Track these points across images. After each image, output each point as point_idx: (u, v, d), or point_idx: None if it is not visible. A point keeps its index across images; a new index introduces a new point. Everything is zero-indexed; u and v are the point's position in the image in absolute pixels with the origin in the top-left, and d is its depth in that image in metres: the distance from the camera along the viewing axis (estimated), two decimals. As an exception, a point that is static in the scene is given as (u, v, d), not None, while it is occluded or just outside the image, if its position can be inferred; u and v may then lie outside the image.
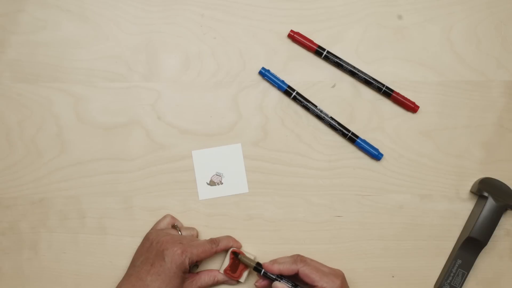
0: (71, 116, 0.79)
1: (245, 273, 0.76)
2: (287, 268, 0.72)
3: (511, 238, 0.79)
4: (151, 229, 0.77)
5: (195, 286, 0.74)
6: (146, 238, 0.75)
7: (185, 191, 0.79)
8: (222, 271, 0.75)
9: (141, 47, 0.80)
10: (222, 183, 0.79)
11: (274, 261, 0.73)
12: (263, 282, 0.74)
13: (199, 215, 0.79)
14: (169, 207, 0.79)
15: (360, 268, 0.78)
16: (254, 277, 0.77)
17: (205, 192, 0.79)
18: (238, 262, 0.76)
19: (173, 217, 0.78)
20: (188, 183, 0.79)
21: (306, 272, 0.71)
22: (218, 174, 0.79)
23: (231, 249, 0.76)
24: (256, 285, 0.75)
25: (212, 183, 0.79)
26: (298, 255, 0.74)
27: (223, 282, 0.76)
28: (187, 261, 0.71)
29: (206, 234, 0.79)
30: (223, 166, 0.79)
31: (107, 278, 0.78)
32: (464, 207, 0.79)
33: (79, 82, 0.79)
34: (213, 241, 0.75)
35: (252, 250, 0.78)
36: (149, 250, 0.72)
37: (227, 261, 0.76)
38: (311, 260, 0.74)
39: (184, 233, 0.76)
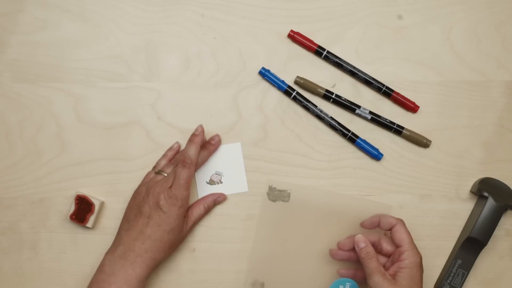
0: (71, 116, 0.79)
1: (92, 218, 0.77)
2: (391, 218, 0.72)
3: (511, 238, 0.79)
4: (138, 185, 0.77)
5: (191, 224, 0.75)
6: (136, 193, 0.75)
7: (185, 191, 0.79)
8: (68, 217, 0.77)
9: (141, 47, 0.80)
10: (221, 182, 0.79)
11: (382, 215, 0.74)
12: (340, 253, 0.74)
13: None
14: (169, 207, 0.79)
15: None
16: (102, 222, 0.77)
17: (205, 192, 0.79)
18: (84, 207, 0.76)
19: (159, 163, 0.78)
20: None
21: (403, 230, 0.71)
22: (217, 173, 0.79)
23: (76, 194, 0.76)
24: (331, 253, 0.75)
25: (212, 182, 0.79)
26: (403, 220, 0.73)
27: (213, 206, 0.78)
28: (185, 205, 0.73)
29: (206, 234, 0.79)
30: (223, 165, 0.79)
31: (107, 278, 0.78)
32: (464, 207, 0.79)
33: (79, 82, 0.79)
34: (183, 162, 0.74)
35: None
36: (142, 204, 0.73)
37: (73, 207, 0.76)
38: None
39: (168, 171, 0.75)
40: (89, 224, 0.77)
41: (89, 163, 0.79)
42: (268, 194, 0.78)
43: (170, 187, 0.73)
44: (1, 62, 0.80)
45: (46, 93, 0.79)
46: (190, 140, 0.76)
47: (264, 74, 0.79)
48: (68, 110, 0.79)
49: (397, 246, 0.71)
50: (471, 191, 0.79)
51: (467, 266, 0.77)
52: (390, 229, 0.72)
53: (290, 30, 0.79)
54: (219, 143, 0.78)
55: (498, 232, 0.78)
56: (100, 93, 0.79)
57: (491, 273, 0.78)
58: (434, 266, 0.78)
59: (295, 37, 0.79)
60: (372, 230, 0.75)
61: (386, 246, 0.72)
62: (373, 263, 0.69)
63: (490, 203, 0.75)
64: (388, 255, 0.73)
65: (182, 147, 0.79)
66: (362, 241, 0.71)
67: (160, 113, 0.79)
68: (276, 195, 0.77)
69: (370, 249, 0.71)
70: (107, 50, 0.80)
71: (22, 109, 0.80)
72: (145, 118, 0.79)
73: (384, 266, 0.72)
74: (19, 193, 0.79)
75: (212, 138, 0.78)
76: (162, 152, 0.79)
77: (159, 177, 0.75)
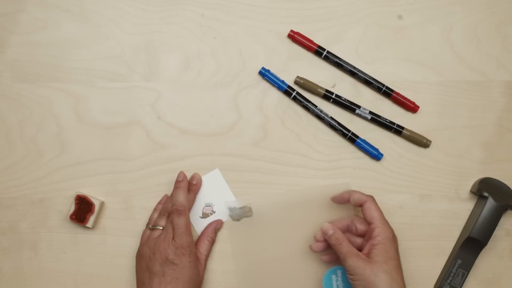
0: (71, 116, 0.79)
1: (92, 218, 0.76)
2: (361, 195, 0.73)
3: (511, 238, 0.79)
4: (139, 247, 0.76)
5: (203, 263, 0.75)
6: (140, 256, 0.74)
7: (185, 191, 0.79)
8: (68, 217, 0.77)
9: (141, 47, 0.80)
10: (214, 212, 0.79)
11: (352, 191, 0.74)
12: (319, 244, 0.75)
13: (199, 215, 0.79)
14: (169, 207, 0.79)
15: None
16: (102, 222, 0.77)
17: (202, 226, 0.78)
18: (84, 207, 0.76)
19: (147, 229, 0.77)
20: (188, 183, 0.79)
21: (372, 206, 0.71)
22: (207, 205, 0.79)
23: (76, 194, 0.76)
24: (311, 248, 0.75)
25: (205, 215, 0.79)
26: (373, 196, 0.74)
27: (216, 235, 0.77)
28: (194, 251, 0.72)
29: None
30: (210, 196, 0.79)
31: (107, 278, 0.78)
32: (464, 207, 0.79)
33: (79, 82, 0.80)
34: (177, 211, 0.74)
35: (253, 250, 0.78)
36: (151, 264, 0.72)
37: (73, 207, 0.76)
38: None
39: (162, 223, 0.75)
40: (89, 224, 0.77)
41: (89, 163, 0.79)
42: (230, 216, 0.77)
43: (173, 238, 0.72)
44: (1, 62, 0.80)
45: (46, 93, 0.79)
46: (176, 187, 0.76)
47: (264, 74, 0.79)
48: (68, 110, 0.79)
49: (368, 223, 0.72)
50: (471, 191, 0.79)
51: (467, 266, 0.77)
52: (361, 206, 0.73)
53: (290, 30, 0.79)
54: (200, 180, 0.78)
55: (498, 232, 0.78)
56: (100, 93, 0.79)
57: (491, 273, 0.78)
58: (434, 266, 0.78)
59: (295, 37, 0.79)
60: (345, 213, 0.75)
61: (360, 226, 0.73)
62: (343, 247, 0.70)
63: (490, 203, 0.75)
64: (363, 235, 0.73)
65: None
66: (329, 229, 0.72)
67: (160, 113, 0.79)
68: (238, 214, 0.77)
69: (339, 234, 0.72)
70: (107, 50, 0.80)
71: (22, 109, 0.80)
72: (145, 118, 0.79)
73: (361, 246, 0.72)
74: (19, 193, 0.79)
75: (192, 178, 0.78)
76: (162, 152, 0.79)
77: (156, 233, 0.75)
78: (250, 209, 0.77)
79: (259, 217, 0.78)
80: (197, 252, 0.75)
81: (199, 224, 0.79)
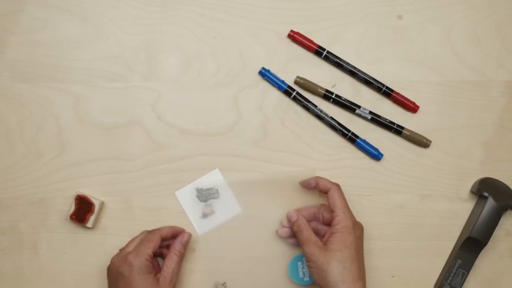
0: (71, 116, 0.79)
1: (92, 218, 0.76)
2: (326, 182, 0.73)
3: (511, 238, 0.79)
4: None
5: (169, 278, 0.72)
6: (112, 279, 0.73)
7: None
8: (68, 217, 0.77)
9: (141, 47, 0.80)
10: (214, 212, 0.78)
11: (319, 177, 0.75)
12: (285, 230, 0.76)
13: (199, 215, 0.79)
14: (169, 207, 0.79)
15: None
16: (102, 222, 0.77)
17: (202, 226, 0.78)
18: (84, 207, 0.76)
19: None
20: (188, 183, 0.79)
21: (335, 195, 0.72)
22: (207, 205, 0.79)
23: (76, 194, 0.76)
24: (277, 233, 0.76)
25: (204, 215, 0.79)
26: (339, 185, 0.74)
27: (186, 248, 0.75)
28: (142, 260, 0.71)
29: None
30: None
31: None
32: (464, 207, 0.79)
33: (79, 82, 0.79)
34: (152, 230, 0.75)
35: (253, 250, 0.78)
36: (114, 283, 0.72)
37: (73, 207, 0.76)
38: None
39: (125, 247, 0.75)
40: (89, 224, 0.77)
41: (89, 163, 0.79)
42: (197, 197, 0.78)
43: (126, 252, 0.72)
44: (1, 62, 0.80)
45: (46, 93, 0.79)
46: (169, 226, 0.76)
47: (264, 74, 0.79)
48: (68, 110, 0.79)
49: (331, 212, 0.72)
50: (471, 191, 0.79)
51: (467, 266, 0.77)
52: (326, 193, 0.73)
53: (290, 30, 0.79)
54: (187, 242, 0.76)
55: (498, 232, 0.78)
56: (100, 93, 0.79)
57: (491, 273, 0.78)
58: (434, 266, 0.78)
59: (295, 37, 0.79)
60: (313, 199, 0.75)
61: (326, 214, 0.74)
62: (303, 234, 0.71)
63: (490, 203, 0.75)
64: (329, 223, 0.73)
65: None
66: (293, 216, 0.74)
67: (160, 113, 0.79)
68: (205, 195, 0.77)
69: (301, 221, 0.73)
70: (107, 50, 0.80)
71: (22, 109, 0.80)
72: (145, 118, 0.79)
73: (325, 234, 0.73)
74: (19, 193, 0.79)
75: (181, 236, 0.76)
76: (162, 152, 0.79)
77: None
78: (217, 191, 0.77)
79: (225, 201, 0.78)
80: (163, 267, 0.73)
81: (199, 224, 0.79)
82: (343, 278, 0.67)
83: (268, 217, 0.78)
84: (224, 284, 0.77)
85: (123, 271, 0.70)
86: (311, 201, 0.76)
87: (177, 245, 0.75)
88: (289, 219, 0.75)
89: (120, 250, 0.75)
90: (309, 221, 0.74)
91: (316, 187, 0.74)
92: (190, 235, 0.76)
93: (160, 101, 0.80)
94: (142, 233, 0.76)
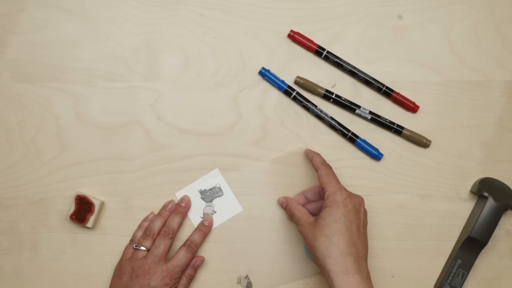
0: (71, 116, 0.79)
1: (92, 218, 0.76)
2: (317, 161, 0.73)
3: (511, 238, 0.79)
4: (121, 261, 0.76)
5: None
6: (121, 273, 0.74)
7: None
8: (68, 217, 0.77)
9: (141, 47, 0.80)
10: (215, 212, 0.79)
11: (313, 153, 0.76)
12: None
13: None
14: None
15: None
16: (102, 222, 0.77)
17: None
18: (84, 207, 0.76)
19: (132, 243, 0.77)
20: (188, 184, 0.79)
21: (323, 173, 0.71)
22: (208, 205, 0.79)
23: (76, 194, 0.76)
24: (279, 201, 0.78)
25: (206, 215, 0.79)
26: (328, 164, 0.74)
27: (195, 272, 0.77)
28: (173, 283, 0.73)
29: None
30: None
31: (107, 278, 0.78)
32: (464, 207, 0.79)
33: (79, 82, 0.80)
34: (189, 246, 0.75)
35: (253, 250, 0.78)
36: (130, 285, 0.72)
37: (73, 207, 0.76)
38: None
39: (146, 245, 0.75)
40: (89, 224, 0.77)
41: (89, 163, 0.79)
42: (202, 198, 0.78)
43: (160, 263, 0.73)
44: (1, 62, 0.80)
45: (46, 93, 0.79)
46: (175, 213, 0.77)
47: (264, 74, 0.79)
48: (68, 110, 0.79)
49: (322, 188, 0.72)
50: (471, 191, 0.79)
51: (467, 266, 0.77)
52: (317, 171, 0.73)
53: (290, 30, 0.79)
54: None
55: (498, 232, 0.78)
56: (100, 93, 0.80)
57: (491, 273, 0.78)
58: (434, 266, 0.78)
59: (295, 37, 0.79)
60: (315, 180, 0.77)
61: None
62: (295, 216, 0.72)
63: (490, 203, 0.75)
64: None
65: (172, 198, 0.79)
66: (282, 202, 0.77)
67: (160, 113, 0.79)
68: (209, 195, 0.77)
69: (290, 204, 0.74)
70: (107, 50, 0.80)
71: (22, 109, 0.80)
72: (145, 118, 0.79)
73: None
74: (19, 193, 0.79)
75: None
76: (162, 152, 0.79)
77: (140, 254, 0.74)
78: (220, 189, 0.77)
79: (227, 199, 0.78)
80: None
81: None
82: (329, 254, 0.65)
83: (270, 211, 0.79)
84: (247, 276, 0.77)
85: (155, 286, 0.72)
86: (312, 180, 0.78)
87: (189, 268, 0.76)
88: (281, 206, 0.77)
89: (136, 247, 0.75)
90: (314, 200, 0.76)
91: (311, 158, 0.75)
92: (202, 260, 0.77)
93: (160, 101, 0.80)
94: (151, 214, 0.77)
